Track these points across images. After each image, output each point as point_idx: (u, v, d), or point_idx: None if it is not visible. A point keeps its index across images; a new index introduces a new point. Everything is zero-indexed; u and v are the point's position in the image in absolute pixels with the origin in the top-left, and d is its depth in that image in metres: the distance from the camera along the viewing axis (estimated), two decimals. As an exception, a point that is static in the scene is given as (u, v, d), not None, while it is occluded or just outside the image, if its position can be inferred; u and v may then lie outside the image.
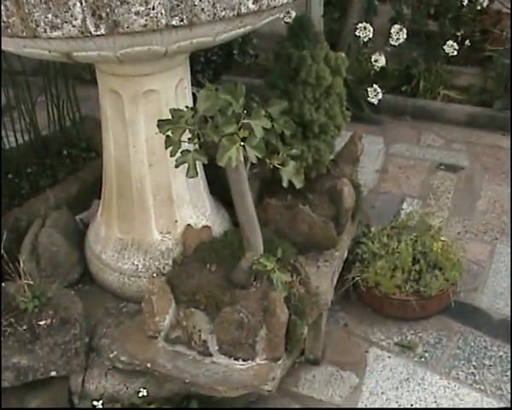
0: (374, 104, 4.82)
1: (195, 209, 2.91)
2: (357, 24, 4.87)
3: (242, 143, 2.03)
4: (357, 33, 4.83)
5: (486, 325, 3.20)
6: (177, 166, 2.10)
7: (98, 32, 2.03)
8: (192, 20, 2.10)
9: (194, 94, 2.67)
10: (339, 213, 3.01)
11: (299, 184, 2.21)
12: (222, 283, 2.57)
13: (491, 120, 4.94)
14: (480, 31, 5.44)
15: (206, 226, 2.87)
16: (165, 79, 2.62)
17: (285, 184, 2.19)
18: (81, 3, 1.98)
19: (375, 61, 4.80)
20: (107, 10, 1.99)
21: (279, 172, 2.18)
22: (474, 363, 2.99)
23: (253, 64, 5.39)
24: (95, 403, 2.52)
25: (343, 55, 3.05)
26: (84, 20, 2.01)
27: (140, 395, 2.53)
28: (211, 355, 2.50)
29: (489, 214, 3.99)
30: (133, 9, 2.00)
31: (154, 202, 2.80)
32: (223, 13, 2.15)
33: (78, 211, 3.33)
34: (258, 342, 2.46)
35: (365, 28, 4.80)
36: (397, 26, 4.86)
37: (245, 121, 2.05)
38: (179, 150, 2.09)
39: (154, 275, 2.59)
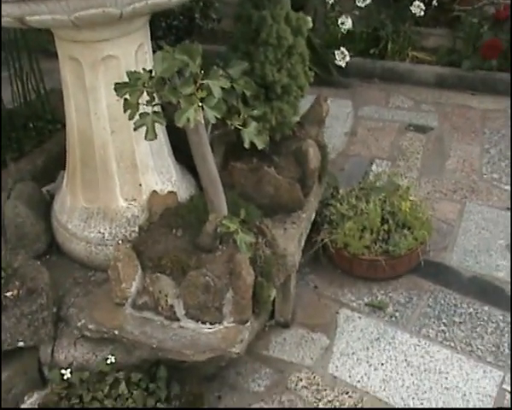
0: (342, 67, 4.81)
1: (160, 175, 2.89)
2: (323, -14, 4.85)
3: (201, 104, 2.01)
4: (323, -4, 4.83)
5: (456, 282, 3.22)
6: (135, 129, 2.07)
7: (49, -6, 2.00)
8: (145, -21, 2.08)
9: (155, 60, 2.65)
10: (305, 175, 2.99)
11: (261, 145, 2.20)
12: (188, 247, 2.55)
13: (460, 80, 4.93)
14: (448, -9, 5.42)
15: (172, 192, 2.85)
16: (125, 44, 2.59)
17: (246, 145, 2.18)
18: (30, -36, 1.95)
19: (342, 23, 4.79)
20: (58, -30, 1.97)
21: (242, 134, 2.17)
22: (444, 321, 3.01)
23: (220, 32, 5.34)
24: (63, 372, 2.51)
25: (308, 18, 3.02)
26: (33, -19, 1.98)
27: (108, 362, 2.52)
28: (178, 320, 2.49)
29: (458, 173, 4.00)
30: (84, -31, 1.98)
31: (118, 169, 2.78)
32: (176, -29, 2.13)
33: (45, 183, 3.31)
34: (225, 305, 2.46)
35: (331, -10, 4.80)
36: (362, -13, 4.85)
37: (203, 82, 2.02)
38: (138, 113, 2.07)
39: (120, 242, 2.57)
